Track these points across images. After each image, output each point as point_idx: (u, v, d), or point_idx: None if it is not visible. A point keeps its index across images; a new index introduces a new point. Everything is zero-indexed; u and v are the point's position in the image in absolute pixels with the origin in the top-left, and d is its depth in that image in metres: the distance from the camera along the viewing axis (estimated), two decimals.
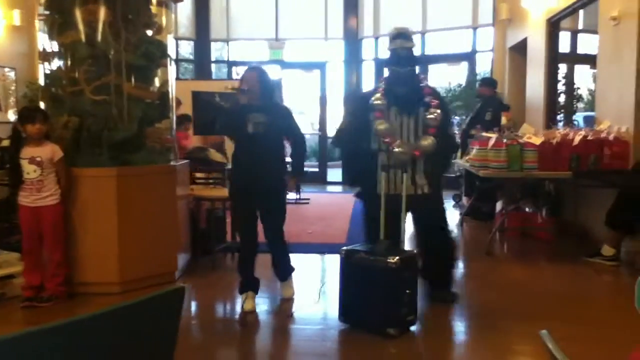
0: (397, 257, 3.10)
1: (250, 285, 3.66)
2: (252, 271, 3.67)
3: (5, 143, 5.40)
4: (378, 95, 3.65)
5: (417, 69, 4.00)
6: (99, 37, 3.96)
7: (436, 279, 3.78)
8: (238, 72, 10.84)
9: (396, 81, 3.67)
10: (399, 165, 3.57)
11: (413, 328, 3.25)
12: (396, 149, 3.53)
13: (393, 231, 3.38)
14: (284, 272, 3.84)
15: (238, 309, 3.67)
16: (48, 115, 3.73)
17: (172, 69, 4.54)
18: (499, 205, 6.23)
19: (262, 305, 3.72)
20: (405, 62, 3.67)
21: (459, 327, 3.44)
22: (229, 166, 5.82)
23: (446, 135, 3.78)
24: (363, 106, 3.73)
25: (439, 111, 3.61)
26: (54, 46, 4.07)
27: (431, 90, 3.74)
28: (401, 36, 3.68)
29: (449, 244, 3.87)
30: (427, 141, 3.56)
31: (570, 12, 6.21)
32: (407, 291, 3.17)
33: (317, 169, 10.86)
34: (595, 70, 5.59)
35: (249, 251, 3.66)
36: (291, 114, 3.82)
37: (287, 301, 3.78)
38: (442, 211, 3.85)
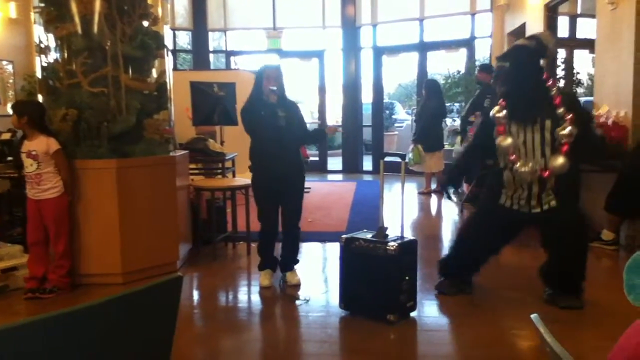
0: (396, 244, 3.12)
1: (268, 264, 3.94)
2: (272, 252, 3.96)
3: (5, 136, 5.41)
4: (497, 107, 3.39)
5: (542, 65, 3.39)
6: (95, 29, 3.95)
7: (564, 285, 3.42)
8: (236, 62, 10.81)
9: (517, 84, 3.30)
10: (524, 184, 3.28)
11: (413, 314, 3.28)
12: (521, 169, 3.23)
13: (501, 243, 3.60)
14: (291, 259, 3.97)
15: (241, 296, 3.88)
16: (32, 107, 3.74)
17: (169, 60, 4.53)
18: None
19: (265, 292, 3.78)
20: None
21: (458, 312, 3.46)
22: (229, 156, 5.87)
23: (588, 141, 3.28)
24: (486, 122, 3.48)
25: (571, 127, 3.13)
26: (50, 38, 4.05)
27: (562, 99, 3.21)
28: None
29: (582, 252, 3.43)
30: (559, 161, 3.14)
31: None
32: (407, 277, 3.20)
33: (317, 158, 10.87)
34: (594, 55, 5.57)
35: (270, 235, 3.90)
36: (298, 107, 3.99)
37: (295, 287, 3.85)
38: (577, 220, 3.35)
